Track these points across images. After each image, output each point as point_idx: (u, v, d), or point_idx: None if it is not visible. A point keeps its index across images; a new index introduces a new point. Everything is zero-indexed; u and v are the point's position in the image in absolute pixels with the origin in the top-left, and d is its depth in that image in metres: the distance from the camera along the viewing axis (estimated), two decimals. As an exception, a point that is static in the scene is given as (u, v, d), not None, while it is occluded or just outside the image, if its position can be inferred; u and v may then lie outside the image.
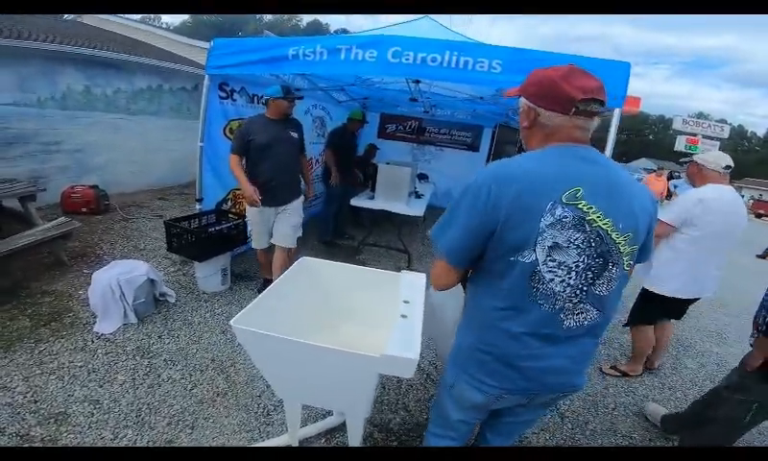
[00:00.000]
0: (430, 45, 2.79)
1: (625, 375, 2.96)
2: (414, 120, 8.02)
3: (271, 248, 3.34)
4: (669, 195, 9.29)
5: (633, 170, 20.52)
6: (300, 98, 3.32)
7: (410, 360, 1.25)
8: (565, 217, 0.95)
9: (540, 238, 0.96)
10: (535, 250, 0.98)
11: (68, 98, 5.76)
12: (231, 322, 1.35)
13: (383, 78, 4.20)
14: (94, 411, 2.10)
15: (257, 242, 3.35)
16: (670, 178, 10.46)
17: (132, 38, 9.47)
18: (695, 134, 17.60)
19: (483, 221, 0.99)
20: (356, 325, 1.95)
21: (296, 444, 1.92)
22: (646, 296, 2.69)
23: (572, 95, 0.98)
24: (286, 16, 59.50)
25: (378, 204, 4.55)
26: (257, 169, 3.06)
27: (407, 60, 2.79)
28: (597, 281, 1.02)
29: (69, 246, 3.90)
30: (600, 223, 0.97)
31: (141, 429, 2.02)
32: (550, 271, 0.99)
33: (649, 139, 56.83)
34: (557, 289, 1.00)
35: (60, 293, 3.20)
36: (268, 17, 57.37)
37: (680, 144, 17.71)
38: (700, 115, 43.56)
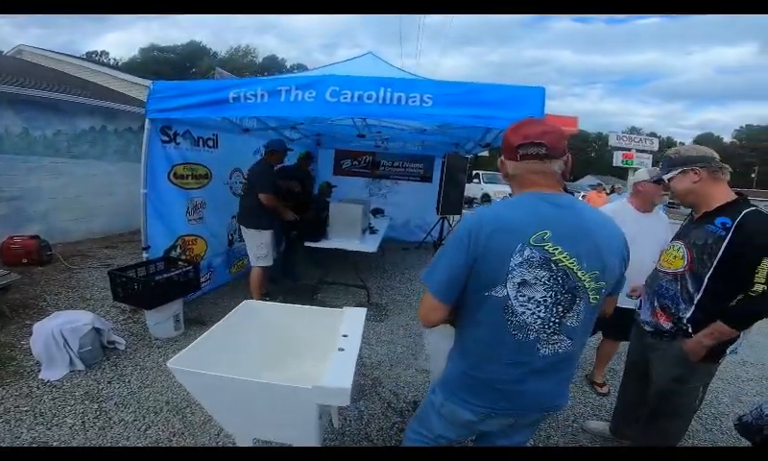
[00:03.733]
0: (365, 83, 2.87)
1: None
2: (368, 155, 7.98)
3: None
4: None
5: (579, 188, 21.70)
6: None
7: (342, 389, 1.32)
8: (533, 257, 1.07)
9: (510, 275, 1.09)
10: (506, 286, 1.10)
11: (5, 141, 5.50)
12: (168, 363, 1.38)
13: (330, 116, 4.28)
14: (44, 452, 2.05)
15: None
16: (612, 192, 11.17)
17: (73, 76, 9.15)
18: (629, 149, 18.90)
19: (464, 259, 1.11)
20: (307, 360, 2.01)
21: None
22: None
23: (513, 142, 1.15)
24: (241, 52, 59.06)
25: (332, 243, 4.39)
26: None
27: (345, 98, 2.86)
28: (568, 314, 1.13)
29: (9, 298, 3.73)
30: (566, 262, 1.09)
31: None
32: (521, 305, 1.11)
33: (591, 157, 59.20)
34: (528, 321, 1.12)
35: (0, 343, 3.07)
36: (222, 53, 56.80)
37: (617, 159, 18.96)
38: (632, 130, 46.71)
